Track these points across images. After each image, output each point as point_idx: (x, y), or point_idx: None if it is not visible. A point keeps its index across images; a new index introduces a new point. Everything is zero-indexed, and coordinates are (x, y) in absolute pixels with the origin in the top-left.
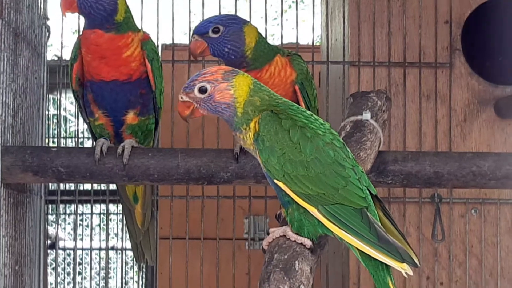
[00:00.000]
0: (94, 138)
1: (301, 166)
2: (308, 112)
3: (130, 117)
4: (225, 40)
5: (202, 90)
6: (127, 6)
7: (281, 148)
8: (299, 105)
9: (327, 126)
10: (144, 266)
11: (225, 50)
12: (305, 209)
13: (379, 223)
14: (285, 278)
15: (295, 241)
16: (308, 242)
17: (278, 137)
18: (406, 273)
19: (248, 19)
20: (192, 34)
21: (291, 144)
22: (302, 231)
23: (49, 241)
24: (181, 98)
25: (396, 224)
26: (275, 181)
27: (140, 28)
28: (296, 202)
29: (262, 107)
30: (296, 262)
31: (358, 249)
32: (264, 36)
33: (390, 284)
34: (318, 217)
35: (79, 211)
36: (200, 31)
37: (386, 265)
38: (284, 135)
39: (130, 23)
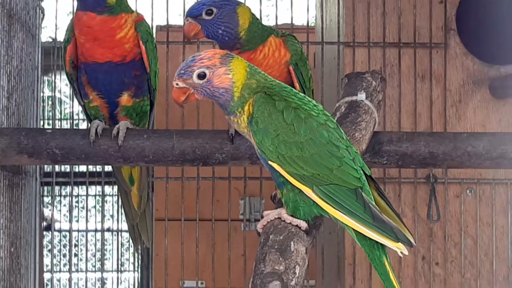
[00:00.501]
0: (89, 120)
1: (296, 147)
2: (302, 94)
3: (125, 99)
4: (218, 21)
5: (201, 76)
6: None
7: (275, 129)
8: (294, 86)
9: (320, 108)
10: (140, 247)
11: (219, 32)
12: (300, 190)
13: (374, 203)
14: (280, 258)
15: (290, 223)
16: (303, 224)
17: (272, 118)
18: (401, 252)
19: (243, 0)
20: (186, 17)
21: (285, 125)
22: (297, 212)
23: (44, 223)
24: (177, 84)
25: (391, 204)
26: (270, 162)
27: (134, 9)
28: (291, 183)
29: (257, 89)
30: (292, 242)
31: (353, 229)
32: (259, 17)
33: (386, 263)
34: (313, 197)
35: (74, 193)
36: (193, 13)
37: (382, 244)
38: (278, 116)
39: (123, 5)
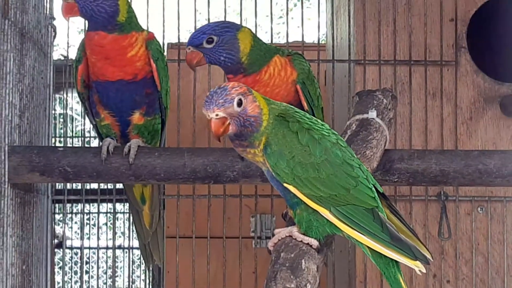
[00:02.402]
0: (101, 138)
1: (312, 168)
2: (309, 115)
3: (136, 117)
4: (220, 49)
5: (239, 103)
6: (129, 6)
7: (290, 151)
8: (302, 104)
9: (327, 127)
10: (151, 265)
11: (221, 59)
12: (314, 210)
13: (390, 222)
14: (291, 276)
15: (301, 241)
16: (315, 243)
17: (286, 141)
18: (419, 270)
19: (254, 18)
20: (187, 45)
21: (300, 147)
22: (310, 231)
23: (56, 240)
24: (216, 115)
25: (404, 220)
26: (285, 184)
27: (145, 27)
28: (305, 203)
29: (276, 112)
30: (303, 260)
31: (368, 248)
32: (269, 35)
33: (401, 280)
34: (330, 218)
35: (86, 210)
36: (194, 43)
37: (396, 261)
38: (293, 138)
39: (133, 23)
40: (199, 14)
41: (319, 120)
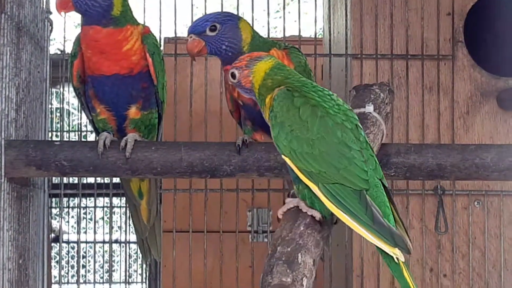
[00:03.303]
0: (97, 133)
1: (306, 143)
2: (327, 91)
3: (133, 112)
4: (222, 37)
5: (233, 76)
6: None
7: (290, 124)
8: None
9: (344, 108)
10: (149, 260)
11: (223, 48)
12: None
13: (378, 207)
14: (288, 270)
15: (306, 212)
16: (317, 214)
17: (289, 114)
18: (397, 258)
19: (251, 12)
20: (189, 34)
21: (300, 122)
22: (314, 207)
23: (53, 235)
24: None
25: (397, 210)
26: (283, 156)
27: (142, 21)
28: None
29: (274, 85)
30: (299, 254)
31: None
32: (266, 29)
33: (404, 271)
34: (318, 194)
35: (82, 205)
36: (197, 30)
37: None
38: (295, 113)
39: (128, 16)
40: (196, 9)
41: (339, 100)
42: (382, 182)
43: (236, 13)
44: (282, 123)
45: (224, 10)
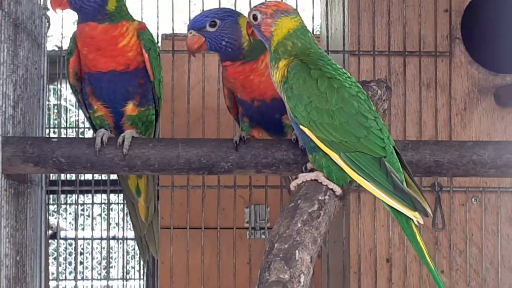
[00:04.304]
0: (95, 130)
1: (327, 114)
2: (338, 65)
3: (130, 108)
4: (222, 33)
5: (255, 17)
6: None
7: (308, 96)
8: None
9: (353, 80)
10: (147, 257)
11: (223, 44)
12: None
13: (396, 173)
14: (285, 267)
15: (326, 185)
16: (338, 189)
17: (306, 86)
18: (417, 221)
19: (248, 9)
20: (188, 29)
21: (318, 93)
22: (331, 177)
23: (50, 231)
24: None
25: (413, 177)
26: (301, 127)
27: (140, 17)
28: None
29: (292, 52)
30: (297, 251)
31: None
32: None
33: (413, 226)
34: (339, 163)
35: (80, 201)
36: (197, 26)
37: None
38: (312, 84)
39: (123, 12)
40: (193, 5)
41: (347, 72)
42: (395, 149)
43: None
44: (300, 95)
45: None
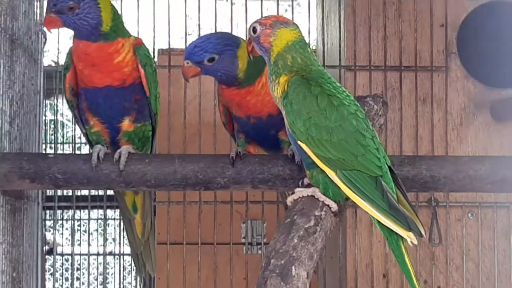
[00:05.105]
0: (91, 146)
1: (325, 131)
2: (338, 83)
3: (126, 124)
4: (219, 67)
5: (254, 30)
6: (114, 13)
7: (307, 112)
8: None
9: (352, 98)
10: (144, 274)
11: (218, 74)
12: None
13: (392, 192)
14: (281, 283)
15: (323, 201)
16: (334, 206)
17: (306, 102)
18: (411, 242)
19: (244, 24)
20: (185, 59)
21: (318, 110)
22: (327, 193)
23: (47, 247)
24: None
25: (407, 196)
26: (299, 142)
27: (136, 32)
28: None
29: (293, 68)
30: (293, 267)
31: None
32: None
33: (402, 247)
34: (335, 181)
35: (76, 217)
36: (194, 59)
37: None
38: (312, 101)
39: (119, 30)
40: (189, 20)
41: (347, 91)
42: (391, 169)
43: (229, 24)
44: (299, 110)
45: (217, 22)
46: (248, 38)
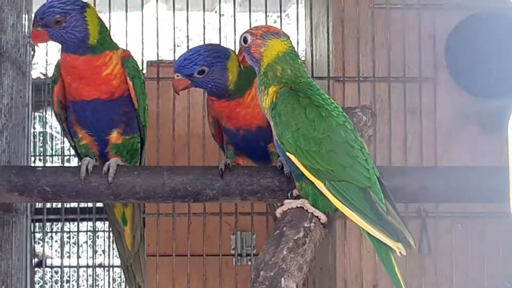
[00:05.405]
0: (80, 158)
1: (314, 142)
2: (326, 95)
3: (114, 137)
4: (209, 79)
5: (245, 40)
6: (101, 26)
7: (296, 123)
8: None
9: (340, 110)
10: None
11: (208, 87)
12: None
13: (381, 203)
14: None
15: (312, 213)
16: (323, 217)
17: (294, 113)
18: (400, 252)
19: (233, 35)
20: (175, 72)
21: (306, 121)
22: (316, 204)
23: (36, 259)
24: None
25: (396, 207)
26: (287, 153)
27: (124, 44)
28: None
29: (282, 79)
30: (282, 279)
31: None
32: None
33: (392, 258)
34: (324, 192)
35: (66, 229)
36: (184, 72)
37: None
38: (301, 112)
39: (107, 43)
40: (178, 31)
41: (335, 102)
42: (380, 180)
43: (218, 35)
44: (287, 121)
45: (206, 33)
46: (239, 48)
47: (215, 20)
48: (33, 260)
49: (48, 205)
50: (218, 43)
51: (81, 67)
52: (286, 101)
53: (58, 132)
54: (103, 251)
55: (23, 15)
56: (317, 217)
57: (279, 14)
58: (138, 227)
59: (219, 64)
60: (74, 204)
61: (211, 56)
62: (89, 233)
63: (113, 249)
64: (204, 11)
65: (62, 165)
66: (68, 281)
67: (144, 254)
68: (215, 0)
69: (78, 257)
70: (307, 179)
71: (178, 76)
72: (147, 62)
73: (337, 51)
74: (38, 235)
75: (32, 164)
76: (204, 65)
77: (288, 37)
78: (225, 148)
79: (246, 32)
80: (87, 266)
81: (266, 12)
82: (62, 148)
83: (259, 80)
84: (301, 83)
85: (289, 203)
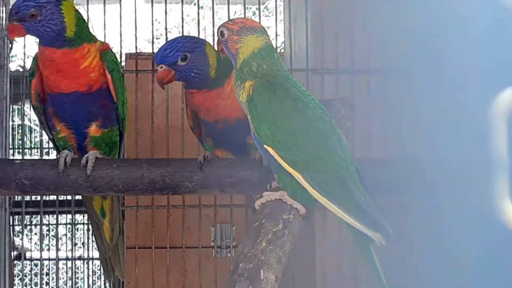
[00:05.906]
0: (58, 151)
1: (291, 134)
2: (303, 88)
3: (93, 129)
4: (192, 65)
5: (222, 34)
6: (78, 19)
7: (273, 116)
8: None
9: (317, 102)
10: (113, 279)
11: (191, 75)
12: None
13: (360, 194)
14: (250, 287)
15: (291, 205)
16: (302, 209)
17: (271, 106)
18: (379, 242)
19: (212, 27)
20: (158, 64)
21: (283, 113)
22: (295, 196)
23: (15, 252)
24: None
25: (374, 198)
26: (265, 146)
27: (102, 37)
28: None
29: (257, 74)
30: (261, 271)
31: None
32: None
33: (370, 247)
34: (302, 183)
35: (45, 222)
36: (168, 61)
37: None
38: (277, 104)
39: (84, 35)
40: (157, 23)
41: (311, 95)
42: (358, 171)
43: (197, 28)
44: (264, 114)
45: (184, 26)
46: (218, 39)
47: (194, 13)
48: (12, 253)
49: (27, 198)
50: (197, 35)
51: (59, 60)
52: (263, 94)
53: (36, 125)
54: (83, 244)
55: (1, 8)
56: (296, 209)
57: (258, 6)
58: (117, 220)
59: (199, 49)
60: (53, 197)
61: (189, 42)
62: (68, 225)
63: (92, 241)
64: (182, 3)
65: (41, 158)
66: (47, 274)
67: (123, 246)
68: None
69: (58, 249)
70: (285, 171)
71: (162, 67)
72: (126, 54)
73: (316, 44)
74: (17, 228)
75: (11, 157)
76: (186, 51)
77: (265, 31)
78: (203, 141)
79: (223, 25)
80: (67, 259)
81: (245, 5)
82: (41, 141)
83: (236, 74)
84: (278, 76)
85: (268, 195)
